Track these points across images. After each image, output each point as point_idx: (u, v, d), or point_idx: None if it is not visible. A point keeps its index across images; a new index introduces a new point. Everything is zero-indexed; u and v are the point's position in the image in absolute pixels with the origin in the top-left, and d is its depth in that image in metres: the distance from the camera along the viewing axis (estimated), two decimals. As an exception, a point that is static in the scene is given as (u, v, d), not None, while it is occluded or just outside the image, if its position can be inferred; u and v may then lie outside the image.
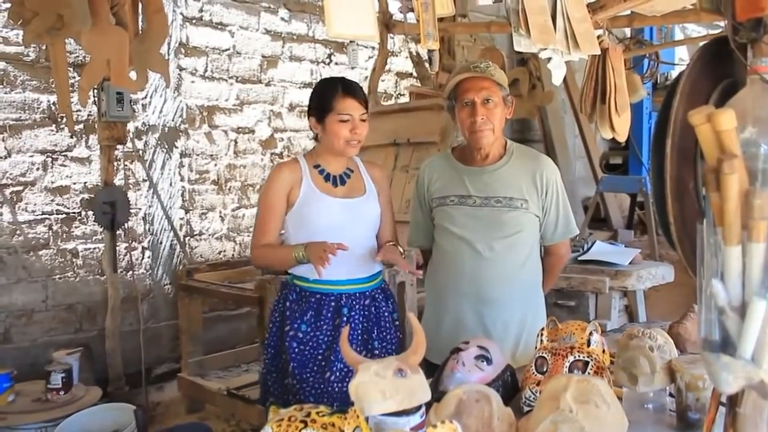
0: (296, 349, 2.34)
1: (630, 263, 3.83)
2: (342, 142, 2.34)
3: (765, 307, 0.90)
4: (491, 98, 2.34)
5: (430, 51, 2.14)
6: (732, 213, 0.91)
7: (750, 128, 0.96)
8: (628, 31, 5.69)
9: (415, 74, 6.31)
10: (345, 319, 2.35)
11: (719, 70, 1.75)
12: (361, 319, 2.40)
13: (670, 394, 1.67)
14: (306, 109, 4.28)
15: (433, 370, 1.81)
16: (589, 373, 1.61)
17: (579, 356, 1.65)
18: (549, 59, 2.13)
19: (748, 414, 1.04)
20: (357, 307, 2.40)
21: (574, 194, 6.56)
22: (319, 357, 2.34)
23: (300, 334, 2.34)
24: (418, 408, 1.35)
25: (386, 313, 2.49)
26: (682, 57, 7.87)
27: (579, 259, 3.89)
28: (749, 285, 0.92)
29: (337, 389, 2.29)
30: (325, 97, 2.34)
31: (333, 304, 2.37)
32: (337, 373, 2.31)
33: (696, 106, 0.97)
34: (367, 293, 2.44)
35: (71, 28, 2.56)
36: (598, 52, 2.32)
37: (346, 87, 2.36)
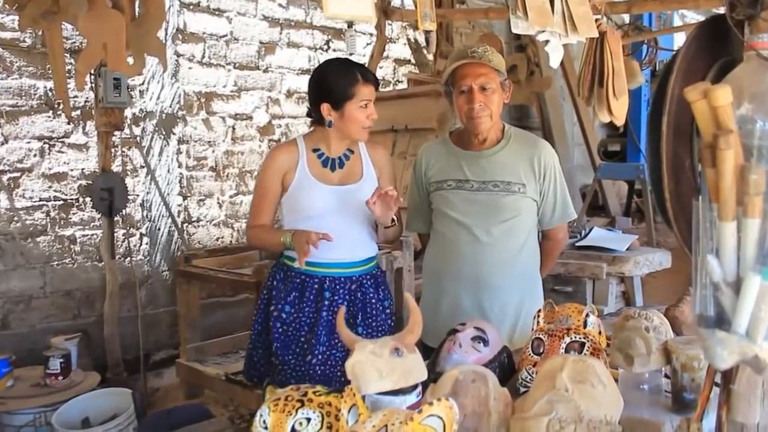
0: (280, 329, 2.36)
1: (627, 249, 3.84)
2: (360, 128, 2.35)
3: (759, 282, 0.90)
4: (489, 84, 2.32)
5: (427, 32, 2.14)
6: (727, 189, 0.91)
7: (746, 104, 0.96)
8: (627, 19, 5.68)
9: (413, 61, 6.29)
10: (327, 303, 2.35)
11: (716, 49, 1.74)
12: (344, 303, 2.37)
13: (666, 375, 1.68)
14: (304, 95, 4.24)
15: (430, 354, 1.82)
16: (585, 354, 1.61)
17: (575, 337, 1.66)
18: (547, 42, 2.12)
19: (742, 391, 1.05)
20: (340, 291, 2.38)
21: (572, 181, 6.56)
22: (302, 339, 2.35)
23: (284, 315, 2.36)
24: (414, 387, 1.35)
25: (374, 301, 2.45)
26: (680, 44, 7.84)
27: (577, 245, 3.90)
28: (744, 260, 0.92)
29: (319, 372, 2.30)
30: (345, 84, 2.31)
31: (316, 286, 2.37)
32: (319, 356, 2.32)
33: (692, 84, 0.97)
34: (354, 278, 2.41)
35: (67, 12, 2.54)
36: (596, 35, 2.32)
37: (365, 73, 2.36)
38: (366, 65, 5.24)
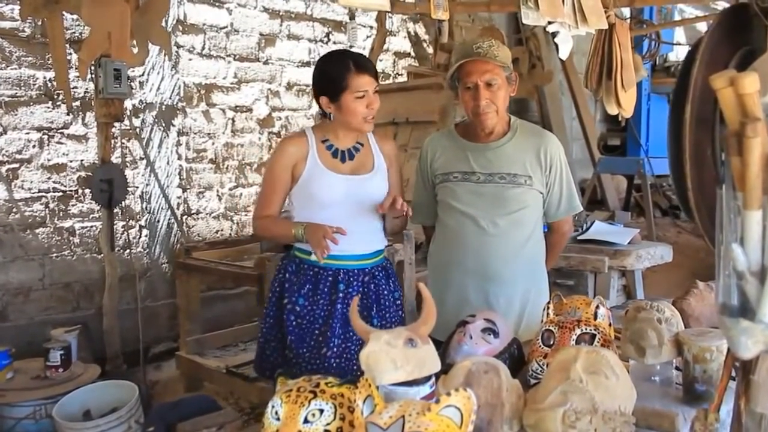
0: (294, 323, 2.33)
1: (629, 243, 3.84)
2: (359, 119, 2.29)
3: (785, 271, 0.90)
4: (495, 80, 2.30)
5: (440, 21, 2.11)
6: (754, 177, 0.90)
7: (771, 93, 0.95)
8: (627, 13, 5.67)
9: (413, 54, 6.28)
10: (341, 295, 2.32)
11: (738, 38, 1.73)
12: (358, 296, 2.33)
13: (677, 367, 1.67)
14: (304, 87, 4.22)
15: (436, 346, 1.80)
16: (596, 346, 1.61)
17: (586, 329, 1.65)
18: (554, 34, 2.11)
19: (762, 381, 1.04)
20: (354, 283, 2.35)
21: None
22: (316, 332, 2.33)
23: (297, 308, 2.33)
24: (428, 378, 1.35)
25: (386, 292, 2.43)
26: (680, 41, 7.87)
27: (578, 238, 3.89)
28: (769, 250, 0.92)
29: (334, 365, 2.28)
30: (339, 76, 2.26)
31: (330, 278, 2.34)
32: (334, 349, 2.30)
33: (715, 73, 0.96)
34: (367, 270, 2.39)
35: (69, 1, 2.52)
36: (606, 27, 2.30)
37: (359, 63, 2.29)
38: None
